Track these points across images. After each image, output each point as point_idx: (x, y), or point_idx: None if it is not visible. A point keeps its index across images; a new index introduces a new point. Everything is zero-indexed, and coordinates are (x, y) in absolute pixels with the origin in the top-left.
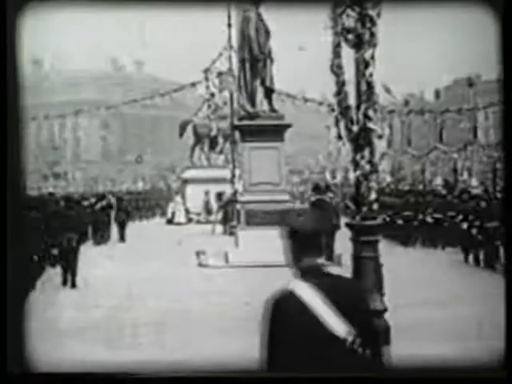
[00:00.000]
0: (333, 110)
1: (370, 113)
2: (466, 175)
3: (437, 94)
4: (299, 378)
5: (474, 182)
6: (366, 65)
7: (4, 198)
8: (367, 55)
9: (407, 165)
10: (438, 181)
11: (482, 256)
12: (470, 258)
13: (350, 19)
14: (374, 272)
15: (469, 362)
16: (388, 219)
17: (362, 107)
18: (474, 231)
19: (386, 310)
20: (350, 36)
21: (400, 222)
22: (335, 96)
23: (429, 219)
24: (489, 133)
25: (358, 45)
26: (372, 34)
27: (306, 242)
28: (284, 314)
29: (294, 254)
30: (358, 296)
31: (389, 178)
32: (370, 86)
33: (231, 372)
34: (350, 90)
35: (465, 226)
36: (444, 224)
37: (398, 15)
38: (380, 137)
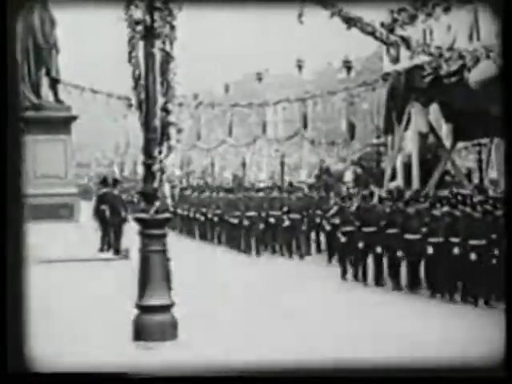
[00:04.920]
0: (130, 105)
1: (170, 107)
2: (255, 169)
3: (226, 87)
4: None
5: (263, 176)
6: (167, 59)
7: None
8: (167, 49)
9: (196, 159)
10: (227, 174)
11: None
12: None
13: (138, 10)
14: (161, 265)
15: (468, 362)
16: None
17: (161, 101)
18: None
19: (173, 304)
20: (139, 27)
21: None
22: (133, 90)
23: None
24: (277, 128)
25: (148, 37)
26: (171, 27)
27: None
28: None
29: None
30: None
31: (178, 172)
32: (168, 80)
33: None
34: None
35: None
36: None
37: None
38: (179, 130)
